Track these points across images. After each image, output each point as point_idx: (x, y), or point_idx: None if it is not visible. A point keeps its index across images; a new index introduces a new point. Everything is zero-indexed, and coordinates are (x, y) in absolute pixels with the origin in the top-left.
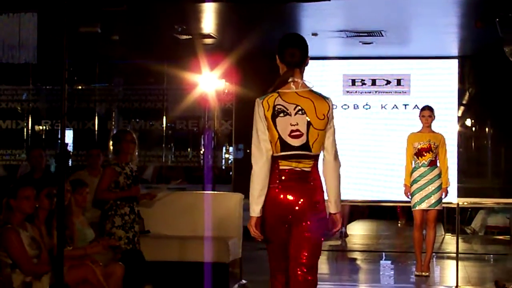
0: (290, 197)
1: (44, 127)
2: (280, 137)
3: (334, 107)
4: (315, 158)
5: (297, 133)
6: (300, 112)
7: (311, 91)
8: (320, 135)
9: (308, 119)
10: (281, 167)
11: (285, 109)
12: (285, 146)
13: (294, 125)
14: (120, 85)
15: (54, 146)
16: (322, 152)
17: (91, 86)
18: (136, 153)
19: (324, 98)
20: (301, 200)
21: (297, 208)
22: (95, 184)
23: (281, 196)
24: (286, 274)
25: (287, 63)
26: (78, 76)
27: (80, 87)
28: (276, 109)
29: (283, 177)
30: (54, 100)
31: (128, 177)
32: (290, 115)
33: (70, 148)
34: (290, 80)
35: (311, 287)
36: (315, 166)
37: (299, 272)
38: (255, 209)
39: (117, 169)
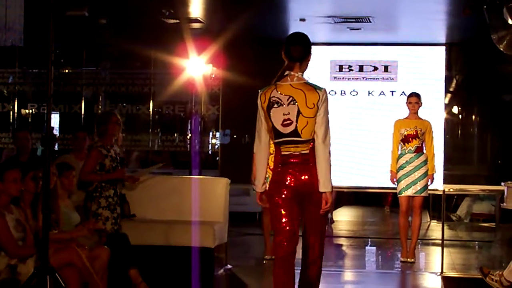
0: (291, 176)
1: (30, 111)
2: (273, 126)
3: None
4: (310, 142)
5: (288, 121)
6: (292, 102)
7: (306, 83)
8: (309, 122)
9: (298, 108)
10: (282, 152)
11: (279, 100)
12: (277, 134)
13: (286, 115)
14: (107, 69)
15: (40, 130)
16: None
17: (78, 70)
18: (121, 135)
19: (316, 89)
20: (302, 177)
21: (298, 184)
22: (80, 167)
23: (284, 176)
24: (288, 237)
25: (289, 58)
26: (65, 60)
27: (67, 71)
28: (271, 100)
29: (284, 160)
30: (40, 84)
31: (114, 160)
32: (283, 105)
33: (56, 132)
34: (286, 73)
35: (318, 258)
36: (313, 150)
37: (309, 242)
38: (258, 186)
39: (103, 152)
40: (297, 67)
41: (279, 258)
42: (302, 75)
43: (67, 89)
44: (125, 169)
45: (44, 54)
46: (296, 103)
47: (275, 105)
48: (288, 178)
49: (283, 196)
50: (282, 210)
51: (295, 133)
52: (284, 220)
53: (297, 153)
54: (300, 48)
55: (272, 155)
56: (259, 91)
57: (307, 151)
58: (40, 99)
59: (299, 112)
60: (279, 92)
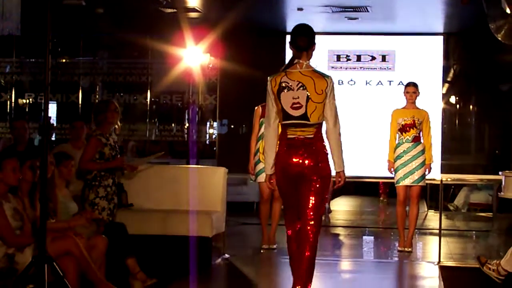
0: (296, 159)
1: (27, 100)
2: (283, 109)
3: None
4: (316, 126)
5: (298, 105)
6: (301, 88)
7: (314, 70)
8: (318, 107)
9: (308, 94)
10: (288, 136)
11: (289, 85)
12: (287, 116)
13: (295, 99)
14: (105, 58)
15: (37, 120)
16: (324, 121)
17: (75, 59)
18: (119, 124)
19: (324, 76)
20: (306, 161)
21: (302, 168)
22: (78, 156)
23: (289, 158)
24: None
25: (296, 48)
26: (62, 49)
27: (64, 60)
28: (282, 85)
29: (290, 144)
30: (37, 73)
31: (113, 148)
32: (293, 90)
33: (53, 121)
34: (295, 62)
35: (314, 234)
36: (318, 133)
37: (307, 222)
38: (267, 168)
39: (103, 140)
40: (304, 56)
41: (290, 235)
42: (309, 63)
43: (64, 78)
44: (124, 157)
45: (41, 44)
46: (306, 89)
47: (285, 90)
48: (293, 160)
49: (288, 177)
50: (288, 190)
51: (304, 116)
52: (291, 199)
53: (302, 137)
54: (305, 39)
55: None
56: (269, 77)
57: (312, 136)
58: (37, 88)
59: (308, 98)
60: (289, 78)
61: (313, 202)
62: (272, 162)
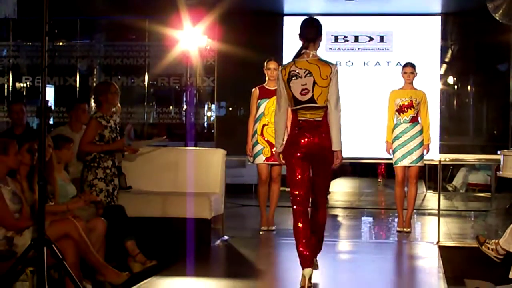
0: (305, 139)
1: (25, 84)
2: (293, 95)
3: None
4: (323, 109)
5: (306, 90)
6: (308, 75)
7: (319, 59)
8: (323, 91)
9: (314, 79)
10: (299, 118)
11: (297, 74)
12: (296, 101)
13: (304, 85)
14: (102, 41)
15: (35, 103)
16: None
17: (72, 42)
18: (119, 106)
19: (329, 64)
20: (316, 140)
21: (312, 146)
22: (77, 139)
23: (299, 138)
24: (303, 191)
25: (305, 39)
26: (60, 32)
27: (61, 44)
28: (291, 74)
29: (301, 126)
30: (35, 56)
31: (113, 130)
32: (301, 77)
33: (51, 105)
34: (303, 52)
35: (323, 204)
36: (325, 116)
37: (319, 193)
38: (277, 146)
39: (103, 122)
40: (311, 46)
41: (296, 210)
42: (316, 52)
43: (61, 62)
44: (124, 139)
45: (38, 27)
46: (312, 75)
47: (294, 78)
48: (302, 140)
49: (298, 154)
50: (297, 167)
51: (312, 100)
52: (298, 175)
53: (312, 119)
54: (312, 30)
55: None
56: (280, 67)
57: (320, 118)
58: (34, 72)
59: (314, 83)
60: (297, 67)
61: (324, 174)
62: (281, 142)
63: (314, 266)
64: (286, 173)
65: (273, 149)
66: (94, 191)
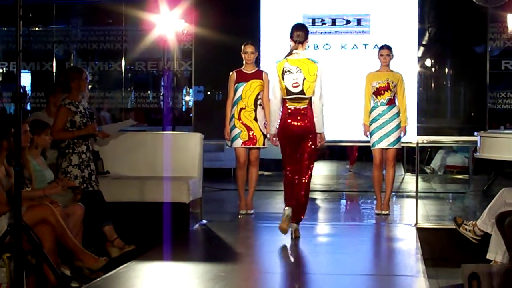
0: (295, 123)
1: (0, 70)
2: (286, 87)
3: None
4: (308, 99)
5: (297, 84)
6: (299, 71)
7: (308, 58)
8: (310, 85)
9: (303, 76)
10: (288, 106)
11: (289, 70)
12: (288, 92)
13: (295, 79)
14: (78, 26)
15: (11, 88)
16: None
17: (48, 27)
18: (87, 91)
19: (315, 62)
20: (301, 124)
21: (299, 129)
22: None
23: (289, 122)
24: (292, 165)
25: (295, 41)
26: (35, 17)
27: (37, 29)
28: (284, 70)
29: (290, 112)
30: (10, 42)
31: (84, 116)
32: (293, 73)
33: (28, 91)
34: (294, 52)
35: (310, 171)
36: (309, 105)
37: (305, 164)
38: (272, 130)
39: (72, 109)
40: (300, 47)
41: (287, 182)
42: (304, 52)
43: (38, 47)
44: (95, 124)
45: (12, 11)
46: (302, 72)
47: (287, 73)
48: (293, 124)
49: (289, 136)
50: (288, 147)
51: (301, 92)
52: (290, 154)
53: (299, 107)
54: (301, 33)
55: (244, 110)
56: (276, 62)
57: (306, 106)
58: (10, 57)
59: (304, 78)
60: (289, 64)
61: (309, 150)
62: (276, 125)
63: (296, 232)
64: (281, 151)
65: (267, 133)
66: (69, 178)
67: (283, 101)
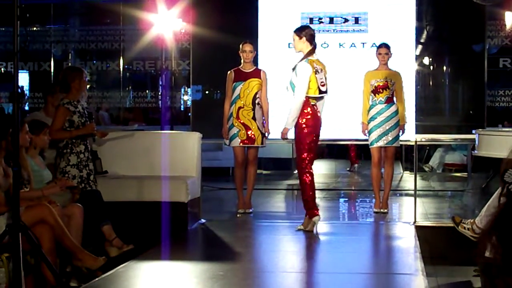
0: (316, 120)
1: None
2: (318, 86)
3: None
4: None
5: (323, 83)
6: (322, 71)
7: (317, 59)
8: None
9: (325, 75)
10: (311, 103)
11: (318, 69)
12: (320, 91)
13: (321, 79)
14: (76, 26)
15: (9, 89)
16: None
17: (46, 27)
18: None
19: (323, 64)
20: (320, 121)
21: (319, 125)
22: None
23: (319, 116)
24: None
25: (311, 43)
26: (33, 17)
27: (35, 28)
28: (315, 69)
29: (313, 107)
30: (8, 42)
31: (82, 115)
32: (319, 72)
33: (26, 91)
34: (314, 53)
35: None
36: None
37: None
38: (291, 124)
39: (71, 108)
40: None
41: (312, 181)
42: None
43: (36, 47)
44: (94, 123)
45: (10, 11)
46: (323, 72)
47: (317, 72)
48: (316, 120)
49: (318, 130)
50: (314, 142)
51: (326, 91)
52: (314, 148)
53: (313, 103)
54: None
55: (242, 109)
56: (305, 61)
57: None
58: (8, 57)
59: (326, 78)
60: (316, 64)
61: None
62: (294, 122)
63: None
64: (305, 145)
65: (286, 127)
66: (67, 178)
67: (308, 98)
